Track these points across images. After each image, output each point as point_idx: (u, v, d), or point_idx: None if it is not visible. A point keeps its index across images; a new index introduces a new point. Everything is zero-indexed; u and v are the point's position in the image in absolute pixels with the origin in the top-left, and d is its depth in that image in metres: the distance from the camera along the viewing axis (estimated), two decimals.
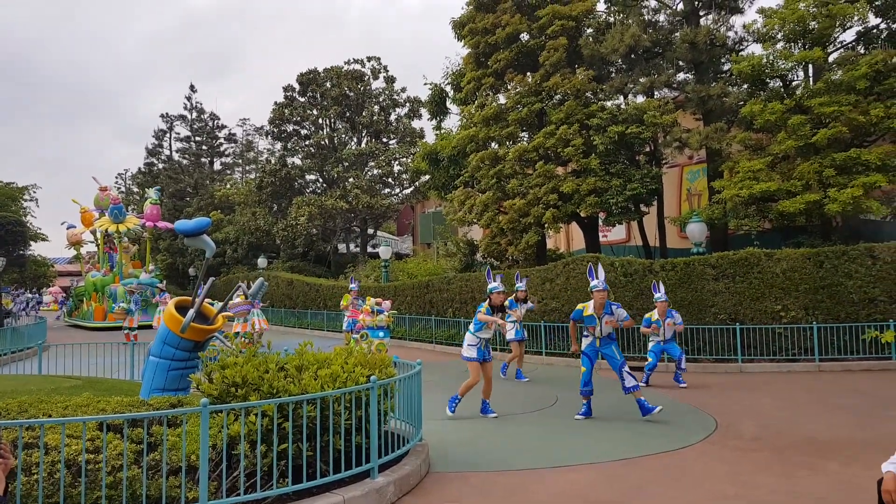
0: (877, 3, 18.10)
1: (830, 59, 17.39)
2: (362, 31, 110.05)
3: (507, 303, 13.17)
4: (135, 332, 21.77)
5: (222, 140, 58.15)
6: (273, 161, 41.58)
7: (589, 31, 21.65)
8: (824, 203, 14.83)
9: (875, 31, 18.48)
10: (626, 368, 9.18)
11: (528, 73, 21.99)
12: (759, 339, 14.22)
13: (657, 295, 12.48)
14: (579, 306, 9.58)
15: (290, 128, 41.49)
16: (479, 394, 9.87)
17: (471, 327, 9.70)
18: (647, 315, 12.63)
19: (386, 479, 5.80)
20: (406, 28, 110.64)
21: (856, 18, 17.00)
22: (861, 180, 14.58)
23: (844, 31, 17.66)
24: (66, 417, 5.08)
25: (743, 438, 7.96)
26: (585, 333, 9.55)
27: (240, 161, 60.58)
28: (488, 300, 9.76)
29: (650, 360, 12.53)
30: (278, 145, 43.12)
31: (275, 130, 41.65)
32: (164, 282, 36.58)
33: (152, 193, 37.00)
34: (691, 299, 14.95)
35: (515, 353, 13.57)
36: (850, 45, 18.64)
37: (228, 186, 50.36)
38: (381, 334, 14.34)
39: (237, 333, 17.52)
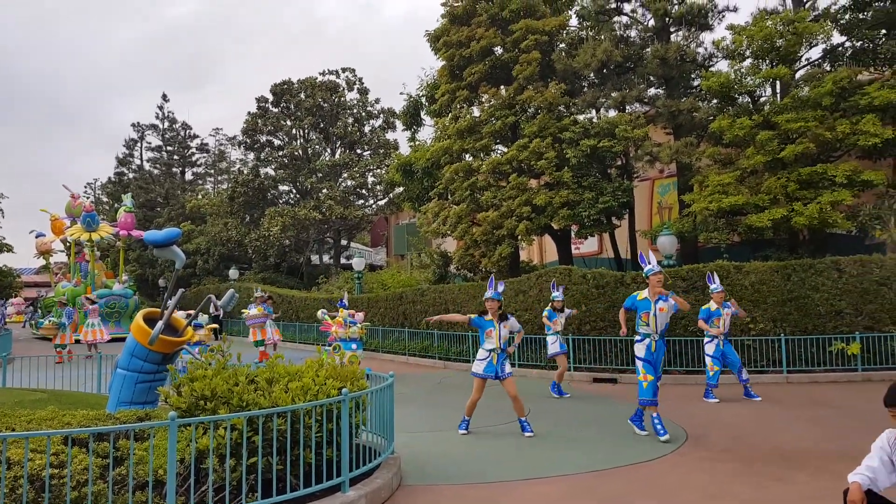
0: (842, 21, 18.66)
1: (797, 75, 17.85)
2: (341, 45, 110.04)
3: (545, 313, 12.83)
4: (68, 349, 19.22)
5: (194, 150, 57.60)
6: (246, 171, 41.33)
7: (562, 45, 21.94)
8: (791, 217, 15.15)
9: (840, 48, 19.01)
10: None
11: (502, 87, 22.17)
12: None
13: (713, 286, 11.87)
14: (635, 293, 9.12)
15: (263, 138, 41.30)
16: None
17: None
18: (704, 306, 11.88)
19: (357, 493, 5.77)
20: (385, 42, 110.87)
21: (821, 37, 17.50)
22: (827, 196, 14.93)
23: (811, 48, 18.15)
24: (29, 431, 4.98)
25: (713, 449, 8.05)
26: (639, 337, 8.96)
27: (212, 171, 60.00)
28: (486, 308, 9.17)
29: (714, 368, 11.67)
30: (251, 155, 42.89)
31: (247, 141, 41.43)
32: (137, 293, 36.02)
33: (127, 201, 35.92)
34: None
35: (563, 368, 12.70)
36: (816, 63, 19.15)
37: (200, 197, 49.80)
38: (354, 346, 14.27)
39: (259, 342, 17.41)
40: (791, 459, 7.43)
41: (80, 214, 33.75)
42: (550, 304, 12.90)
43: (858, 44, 18.59)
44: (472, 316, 9.26)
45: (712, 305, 11.77)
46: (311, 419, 5.59)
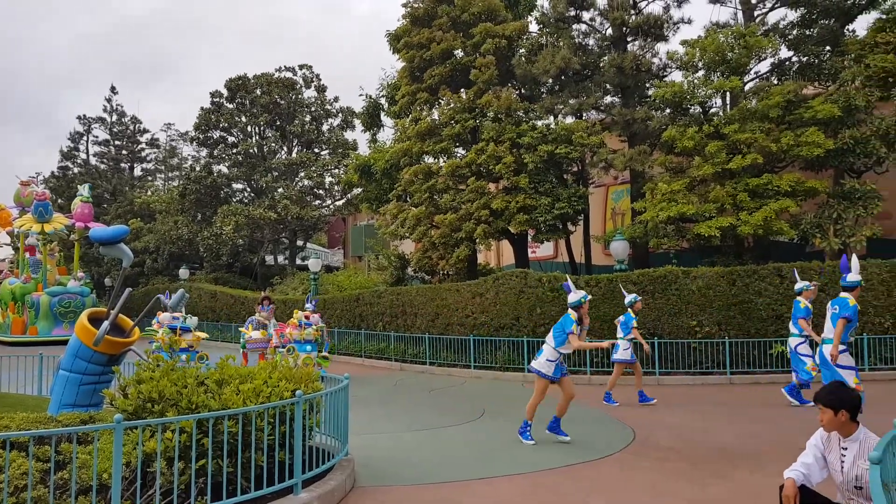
0: (789, 37, 19.36)
1: (746, 87, 18.42)
2: (305, 45, 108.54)
3: (620, 318, 12.13)
4: None
5: (144, 145, 56.14)
6: (198, 168, 40.49)
7: (522, 51, 22.16)
8: (737, 225, 15.62)
9: (787, 63, 19.71)
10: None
11: (463, 90, 22.27)
12: (676, 352, 14.81)
13: (799, 285, 11.46)
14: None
15: (216, 134, 40.59)
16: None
17: (550, 341, 8.73)
18: (802, 304, 11.29)
19: (309, 495, 5.73)
20: (350, 43, 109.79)
21: (769, 51, 18.13)
22: (772, 205, 15.45)
23: (759, 62, 18.78)
24: None
25: (660, 449, 8.26)
26: (844, 348, 9.17)
27: (162, 167, 58.59)
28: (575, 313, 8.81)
29: (807, 371, 11.15)
30: (204, 152, 42.08)
31: (200, 137, 40.65)
32: (94, 291, 34.17)
33: (84, 191, 32.96)
34: (613, 314, 15.34)
35: (640, 373, 12.13)
36: (764, 76, 19.81)
37: (149, 193, 48.60)
38: (309, 348, 14.14)
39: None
40: (733, 458, 7.69)
41: (30, 203, 30.90)
42: (630, 308, 12.06)
43: (804, 59, 19.33)
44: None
45: (806, 302, 11.31)
46: (264, 421, 5.54)
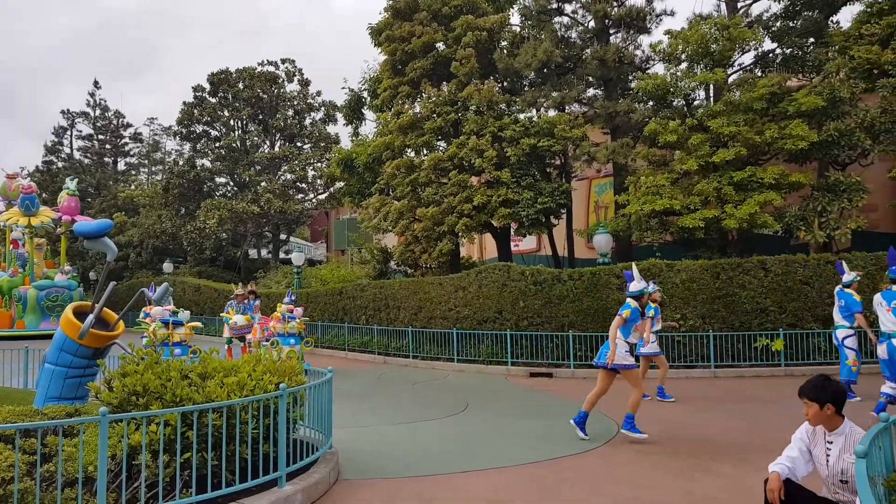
0: (773, 29, 19.49)
1: (730, 80, 18.52)
2: (288, 38, 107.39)
3: (649, 310, 10.90)
4: None
5: (127, 139, 55.68)
6: (181, 162, 40.23)
7: (504, 44, 22.19)
8: (722, 218, 15.76)
9: (771, 55, 19.87)
10: None
11: (444, 83, 22.28)
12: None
13: (848, 277, 11.07)
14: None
15: (199, 128, 40.33)
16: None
17: (619, 332, 8.45)
18: (857, 297, 10.87)
19: (294, 488, 5.77)
20: (333, 37, 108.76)
21: (753, 43, 18.22)
22: (757, 198, 15.59)
23: (743, 54, 18.89)
24: None
25: (644, 442, 8.33)
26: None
27: (146, 161, 58.13)
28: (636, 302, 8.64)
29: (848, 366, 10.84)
30: (187, 146, 41.79)
31: (183, 131, 40.38)
32: (81, 285, 33.91)
33: (70, 184, 32.93)
34: (597, 307, 15.52)
35: (665, 367, 11.73)
36: (748, 68, 19.95)
37: (133, 188, 48.18)
38: (293, 341, 14.13)
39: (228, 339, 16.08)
40: (716, 451, 7.77)
41: (17, 196, 30.62)
42: (650, 296, 10.95)
43: (788, 51, 19.47)
44: (629, 312, 8.51)
45: (855, 294, 10.98)
46: (248, 414, 5.57)
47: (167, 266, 35.83)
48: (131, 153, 56.96)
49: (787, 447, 4.44)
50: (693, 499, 6.07)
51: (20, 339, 24.92)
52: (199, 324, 12.50)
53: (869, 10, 17.49)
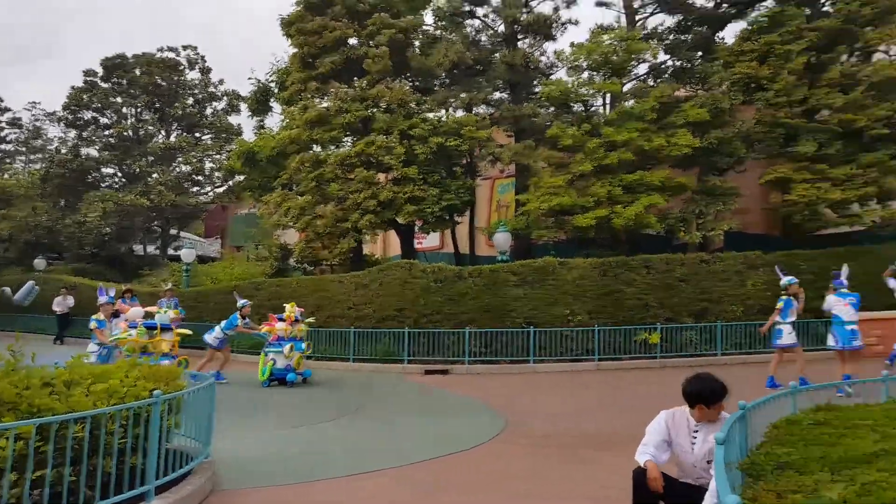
0: (666, 42, 20.69)
1: (625, 88, 19.65)
2: (197, 26, 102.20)
3: (779, 304, 11.64)
4: None
5: (4, 124, 51.69)
6: (64, 150, 37.69)
7: (417, 43, 22.31)
8: (612, 218, 16.43)
9: (663, 65, 21.18)
10: None
11: (356, 79, 22.02)
12: (550, 341, 15.56)
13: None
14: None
15: (88, 115, 38.28)
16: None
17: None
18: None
19: (163, 502, 5.50)
20: (249, 36, 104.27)
21: (648, 54, 19.55)
22: (644, 200, 16.41)
23: (639, 64, 20.06)
24: None
25: (533, 436, 8.63)
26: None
27: (24, 149, 54.09)
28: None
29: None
30: (72, 133, 39.22)
31: (69, 117, 38.10)
32: None
33: None
34: (495, 304, 15.90)
35: (803, 359, 11.50)
36: (642, 78, 21.15)
37: (7, 177, 44.69)
38: (304, 346, 14.18)
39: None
40: (599, 442, 8.18)
41: None
42: (786, 290, 11.65)
43: (679, 63, 21.28)
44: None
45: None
46: (115, 424, 5.21)
47: (39, 262, 33.32)
48: (8, 139, 53.00)
49: (647, 437, 4.70)
50: (583, 487, 6.38)
51: None
52: (188, 331, 11.50)
53: (750, 27, 18.92)
